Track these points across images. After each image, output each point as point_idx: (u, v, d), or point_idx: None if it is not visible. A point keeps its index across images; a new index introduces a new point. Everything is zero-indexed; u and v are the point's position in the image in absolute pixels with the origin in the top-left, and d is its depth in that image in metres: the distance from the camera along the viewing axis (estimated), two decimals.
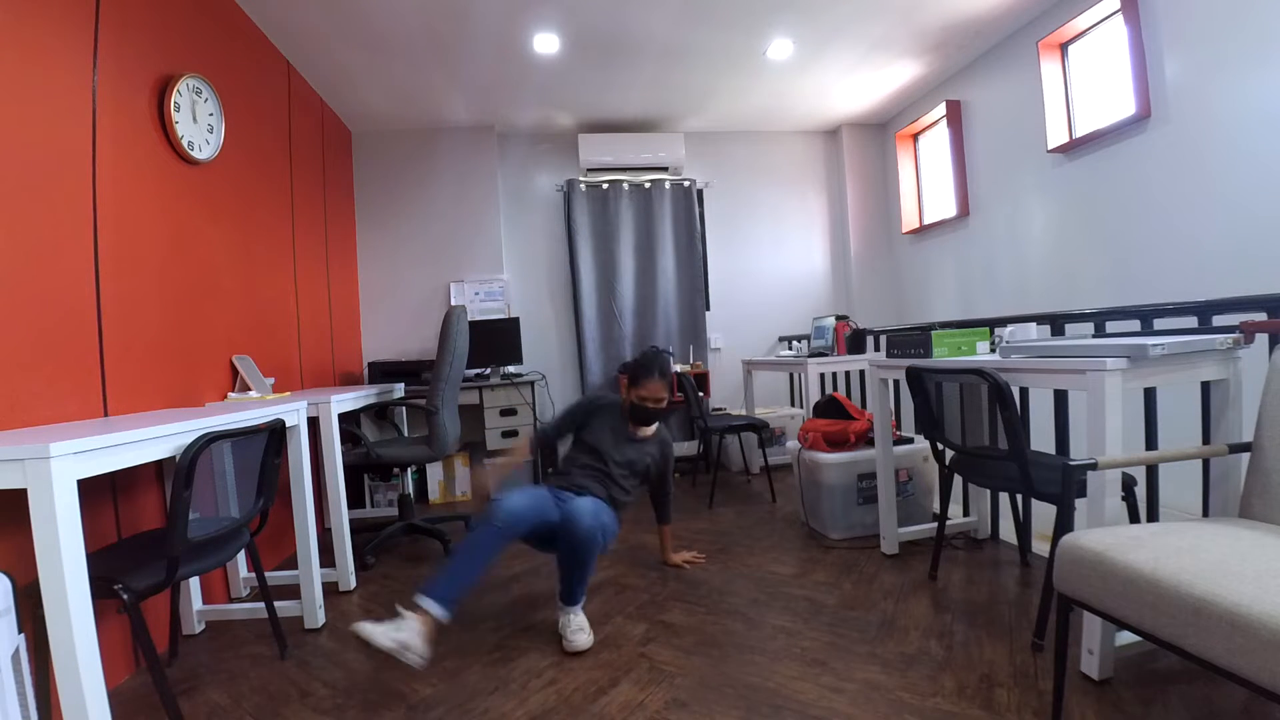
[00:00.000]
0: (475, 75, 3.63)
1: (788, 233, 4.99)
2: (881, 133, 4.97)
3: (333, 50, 3.22)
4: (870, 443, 2.60)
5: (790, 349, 4.28)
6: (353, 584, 2.44)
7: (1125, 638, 1.51)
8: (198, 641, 2.05)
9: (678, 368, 4.33)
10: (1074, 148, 3.23)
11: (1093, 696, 1.44)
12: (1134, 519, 1.73)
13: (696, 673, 1.66)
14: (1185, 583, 1.02)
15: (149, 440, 1.41)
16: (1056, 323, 2.35)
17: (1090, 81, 3.26)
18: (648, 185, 4.57)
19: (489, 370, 4.04)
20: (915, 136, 4.71)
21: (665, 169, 4.59)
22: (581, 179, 4.50)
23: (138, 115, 2.07)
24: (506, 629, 2.01)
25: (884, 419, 2.45)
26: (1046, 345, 1.79)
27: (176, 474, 1.41)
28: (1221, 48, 2.49)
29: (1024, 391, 2.38)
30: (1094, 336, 2.12)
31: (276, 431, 1.82)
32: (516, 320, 4.12)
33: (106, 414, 1.82)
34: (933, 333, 2.18)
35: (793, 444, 2.94)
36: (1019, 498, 2.32)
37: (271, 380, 2.69)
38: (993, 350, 2.17)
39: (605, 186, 4.53)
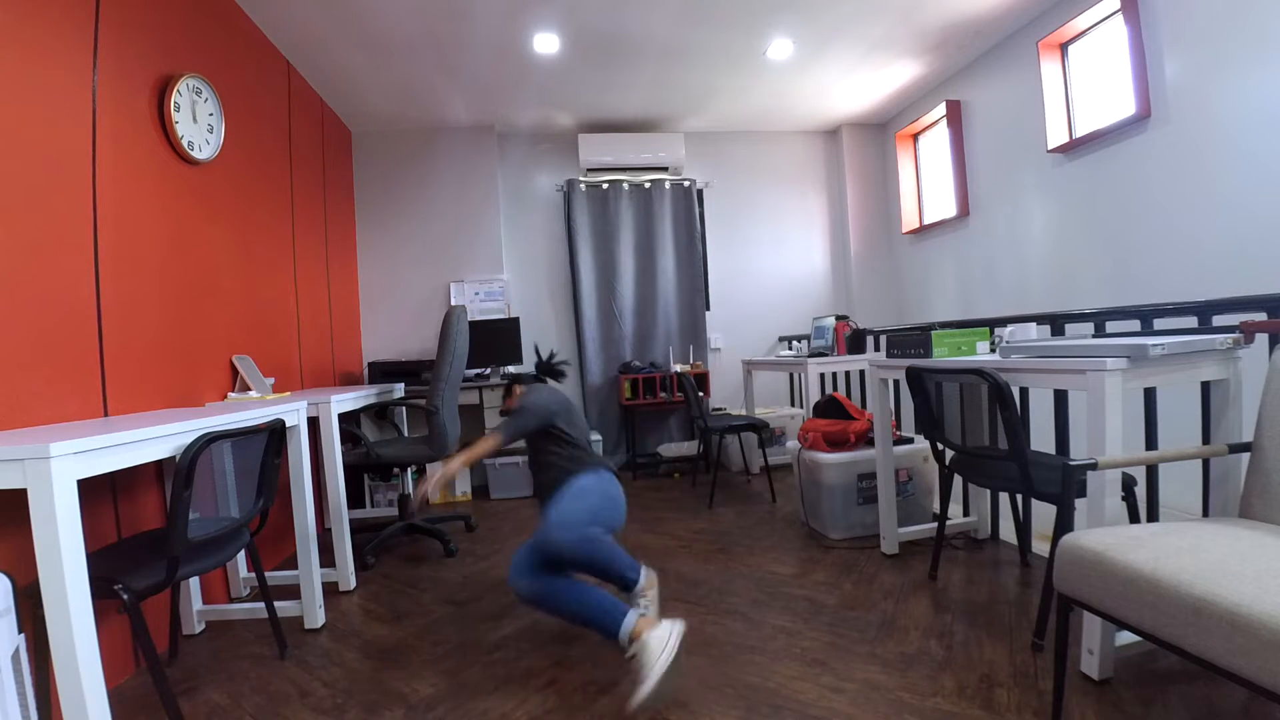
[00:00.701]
0: (475, 75, 3.63)
1: (788, 233, 4.99)
2: (881, 133, 4.97)
3: (333, 50, 3.22)
4: (870, 443, 2.60)
5: (790, 349, 4.28)
6: (353, 584, 2.44)
7: (1125, 638, 1.51)
8: (198, 641, 2.05)
9: (678, 368, 4.34)
10: (1074, 148, 3.23)
11: (1093, 696, 1.44)
12: (1134, 519, 1.73)
13: (696, 673, 1.66)
14: (1185, 583, 1.02)
15: (149, 440, 1.41)
16: (1056, 323, 2.35)
17: (1090, 81, 3.26)
18: (648, 185, 4.57)
19: (489, 370, 4.04)
20: (915, 136, 4.71)
21: (665, 169, 4.59)
22: (581, 179, 4.50)
23: (138, 115, 2.07)
24: (506, 629, 2.01)
25: (884, 419, 2.45)
26: (1046, 345, 1.79)
27: (176, 474, 1.41)
28: (1221, 48, 2.49)
29: (1024, 391, 2.37)
30: (1094, 336, 2.12)
31: (276, 431, 1.82)
32: (516, 320, 4.13)
33: (106, 414, 1.82)
34: (933, 333, 2.18)
35: (793, 444, 2.94)
36: (1019, 498, 2.32)
37: (271, 380, 2.69)
38: (993, 350, 2.17)
39: (605, 186, 4.53)
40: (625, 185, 4.54)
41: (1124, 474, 1.62)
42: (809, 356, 3.48)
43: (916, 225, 4.64)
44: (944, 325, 2.69)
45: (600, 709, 1.52)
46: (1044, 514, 1.91)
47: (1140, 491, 1.84)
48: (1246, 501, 1.39)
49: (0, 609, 1.12)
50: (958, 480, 2.17)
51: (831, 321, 3.48)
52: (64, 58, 1.76)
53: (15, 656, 1.14)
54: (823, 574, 2.30)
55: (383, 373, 3.78)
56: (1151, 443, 1.97)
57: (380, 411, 3.43)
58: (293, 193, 3.23)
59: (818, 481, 2.69)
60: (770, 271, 4.94)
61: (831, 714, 1.45)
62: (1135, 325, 2.08)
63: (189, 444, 1.44)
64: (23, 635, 1.16)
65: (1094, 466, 1.39)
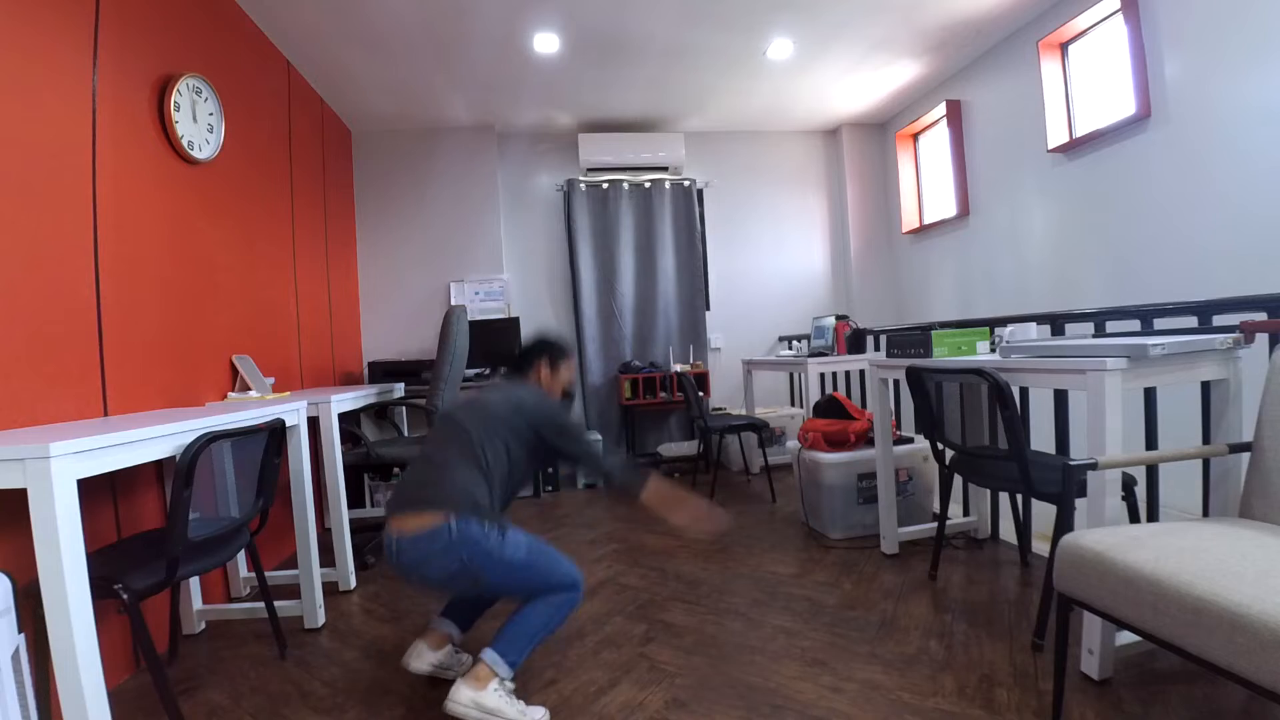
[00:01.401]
0: (475, 75, 3.63)
1: (788, 233, 4.99)
2: (881, 133, 4.97)
3: (333, 50, 3.22)
4: (870, 443, 2.60)
5: (790, 349, 4.28)
6: (353, 584, 2.44)
7: (1125, 638, 1.51)
8: (198, 641, 2.05)
9: (678, 367, 4.34)
10: (1074, 148, 3.23)
11: (1093, 696, 1.44)
12: (1134, 519, 1.73)
13: (696, 673, 1.66)
14: (1185, 583, 1.02)
15: (149, 440, 1.41)
16: (1056, 323, 2.34)
17: (1090, 81, 3.26)
18: (648, 185, 4.57)
19: (489, 370, 4.04)
20: (915, 136, 4.71)
21: (665, 169, 4.59)
22: (581, 179, 4.50)
23: (138, 115, 2.07)
24: None
25: (884, 419, 2.45)
26: (1046, 345, 1.78)
27: (176, 474, 1.41)
28: (1221, 48, 2.49)
29: (1024, 391, 2.38)
30: (1094, 336, 2.12)
31: (276, 431, 1.82)
32: (516, 320, 4.12)
33: (106, 414, 1.82)
34: (933, 333, 2.18)
35: (793, 444, 2.94)
36: (1019, 498, 2.32)
37: (271, 380, 2.69)
38: (993, 350, 2.17)
39: (605, 186, 4.53)
40: (625, 185, 4.54)
41: (1124, 474, 1.62)
42: (809, 356, 3.48)
43: (916, 225, 4.64)
44: (944, 325, 2.69)
45: (600, 709, 1.52)
46: (1044, 514, 1.91)
47: (1140, 491, 1.84)
48: (1246, 501, 1.39)
49: (0, 609, 1.12)
50: (958, 480, 2.17)
51: (831, 321, 3.48)
52: (64, 58, 1.76)
53: (15, 656, 1.14)
54: (823, 574, 2.30)
55: (383, 372, 3.78)
56: (1151, 443, 1.97)
57: (380, 411, 3.44)
58: (293, 192, 3.23)
59: (818, 481, 2.69)
60: (770, 271, 4.94)
61: (831, 714, 1.45)
62: (1135, 325, 2.08)
63: (189, 444, 1.44)
64: (23, 635, 1.16)
65: (1094, 466, 1.39)
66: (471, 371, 3.95)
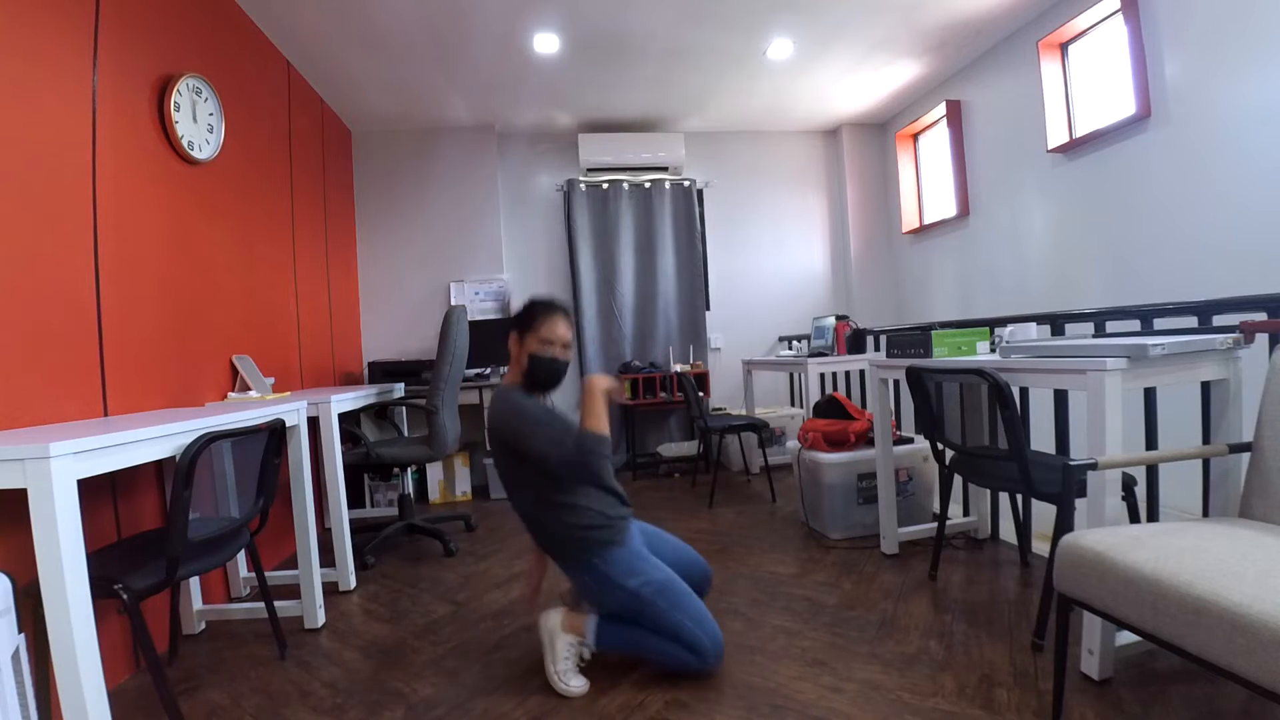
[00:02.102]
0: (475, 75, 3.63)
1: (788, 233, 4.99)
2: (881, 133, 4.97)
3: (333, 50, 3.22)
4: (870, 443, 2.60)
5: (790, 349, 4.28)
6: (353, 584, 2.44)
7: (1125, 638, 1.51)
8: (198, 641, 2.05)
9: (678, 367, 4.34)
10: (1074, 148, 3.23)
11: (1093, 696, 1.44)
12: (1134, 519, 1.73)
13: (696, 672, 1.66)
14: (1185, 583, 1.02)
15: (149, 440, 1.41)
16: (1056, 323, 2.34)
17: (1090, 81, 3.26)
18: (648, 185, 4.57)
19: (489, 370, 4.04)
20: (915, 136, 4.71)
21: (665, 169, 4.59)
22: (581, 179, 4.49)
23: (138, 115, 2.07)
24: (506, 629, 2.01)
25: (884, 419, 2.45)
26: (1046, 345, 1.78)
27: (176, 474, 1.41)
28: (1221, 48, 2.49)
29: (1024, 391, 2.37)
30: (1094, 336, 2.12)
31: (276, 431, 1.82)
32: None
33: (106, 414, 1.82)
34: (933, 333, 2.18)
35: (793, 444, 2.94)
36: (1019, 498, 2.32)
37: (271, 380, 2.69)
38: (993, 350, 2.17)
39: (605, 186, 4.53)
40: (625, 185, 4.54)
41: (1124, 474, 1.62)
42: (809, 356, 3.48)
43: (916, 225, 4.64)
44: (944, 325, 2.69)
45: (600, 709, 1.52)
46: (1044, 514, 1.91)
47: (1140, 491, 1.84)
48: (1246, 501, 1.39)
49: (0, 609, 1.12)
50: (958, 480, 2.17)
51: (831, 321, 3.48)
52: (64, 58, 1.76)
53: (15, 656, 1.14)
54: (823, 574, 2.30)
55: (383, 372, 3.78)
56: (1151, 443, 1.97)
57: (380, 411, 3.44)
58: (293, 193, 3.23)
59: (818, 481, 2.69)
60: (770, 271, 4.94)
61: (831, 714, 1.45)
62: (1135, 325, 2.08)
63: (189, 444, 1.44)
64: (23, 635, 1.16)
65: (1094, 466, 1.39)
66: (472, 371, 3.95)
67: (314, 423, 2.36)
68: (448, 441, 2.84)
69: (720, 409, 4.53)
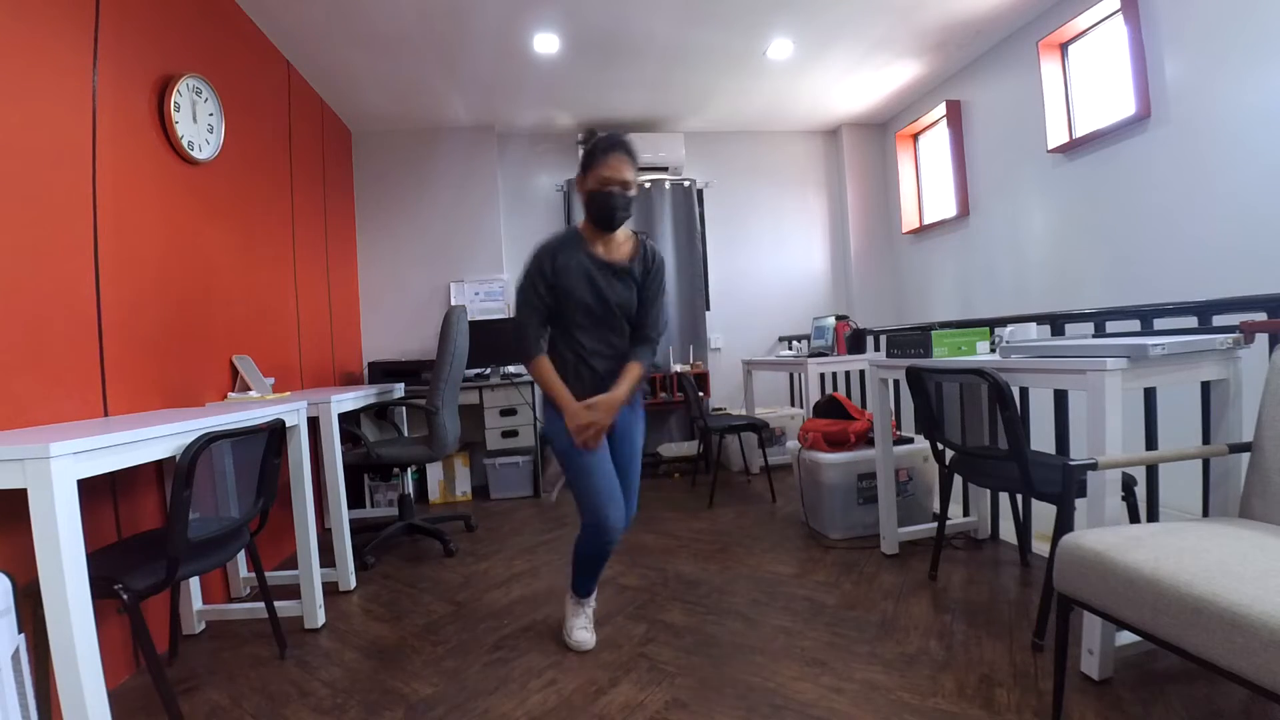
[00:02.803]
0: (475, 75, 3.63)
1: (788, 233, 4.99)
2: (881, 133, 4.97)
3: (333, 50, 3.22)
4: (870, 443, 2.60)
5: (790, 349, 4.28)
6: (353, 584, 2.44)
7: (1125, 638, 1.51)
8: (198, 641, 2.05)
9: (678, 367, 4.34)
10: (1074, 148, 3.23)
11: (1093, 696, 1.44)
12: (1134, 519, 1.73)
13: (696, 673, 1.66)
14: (1185, 583, 1.02)
15: (149, 440, 1.41)
16: (1056, 323, 2.35)
17: (1090, 81, 3.26)
18: (648, 185, 4.57)
19: (489, 370, 4.04)
20: (915, 136, 4.71)
21: (665, 169, 4.59)
22: None
23: (138, 115, 2.07)
24: (506, 629, 2.01)
25: (884, 419, 2.45)
26: (1046, 345, 1.78)
27: (176, 474, 1.41)
28: (1221, 48, 2.49)
29: (1024, 391, 2.38)
30: (1094, 336, 2.12)
31: (276, 431, 1.82)
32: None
33: (106, 414, 1.82)
34: (933, 333, 2.18)
35: (793, 444, 2.94)
36: (1019, 498, 2.32)
37: (271, 380, 2.69)
38: (993, 350, 2.17)
39: None
40: None
41: (1124, 474, 1.62)
42: (809, 356, 3.48)
43: (916, 225, 4.64)
44: (944, 325, 2.69)
45: (600, 709, 1.52)
46: (1044, 514, 1.91)
47: (1140, 491, 1.84)
48: (1246, 501, 1.39)
49: (0, 609, 1.12)
50: (958, 480, 2.17)
51: (831, 321, 3.48)
52: (64, 58, 1.76)
53: (15, 656, 1.14)
54: (823, 574, 2.30)
55: (383, 372, 3.78)
56: (1151, 443, 1.97)
57: (380, 411, 3.43)
58: (293, 193, 3.23)
59: (818, 481, 2.69)
60: (770, 271, 4.94)
61: (831, 714, 1.45)
62: (1135, 325, 2.08)
63: (189, 444, 1.44)
64: (23, 635, 1.16)
65: (1094, 466, 1.39)
66: (472, 372, 3.96)
67: (314, 423, 2.36)
68: (448, 441, 2.84)
69: (720, 409, 4.53)
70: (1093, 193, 3.15)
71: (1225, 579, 1.00)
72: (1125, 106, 2.91)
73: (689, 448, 4.32)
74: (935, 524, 2.29)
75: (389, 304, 4.28)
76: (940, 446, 2.12)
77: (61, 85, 1.75)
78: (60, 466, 1.15)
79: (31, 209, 1.62)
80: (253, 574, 2.06)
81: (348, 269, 4.08)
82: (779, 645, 1.79)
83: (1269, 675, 0.89)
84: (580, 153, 1.75)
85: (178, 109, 2.21)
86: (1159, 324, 2.03)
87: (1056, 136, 3.32)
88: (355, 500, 3.71)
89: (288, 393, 2.73)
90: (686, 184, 4.64)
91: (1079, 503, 1.55)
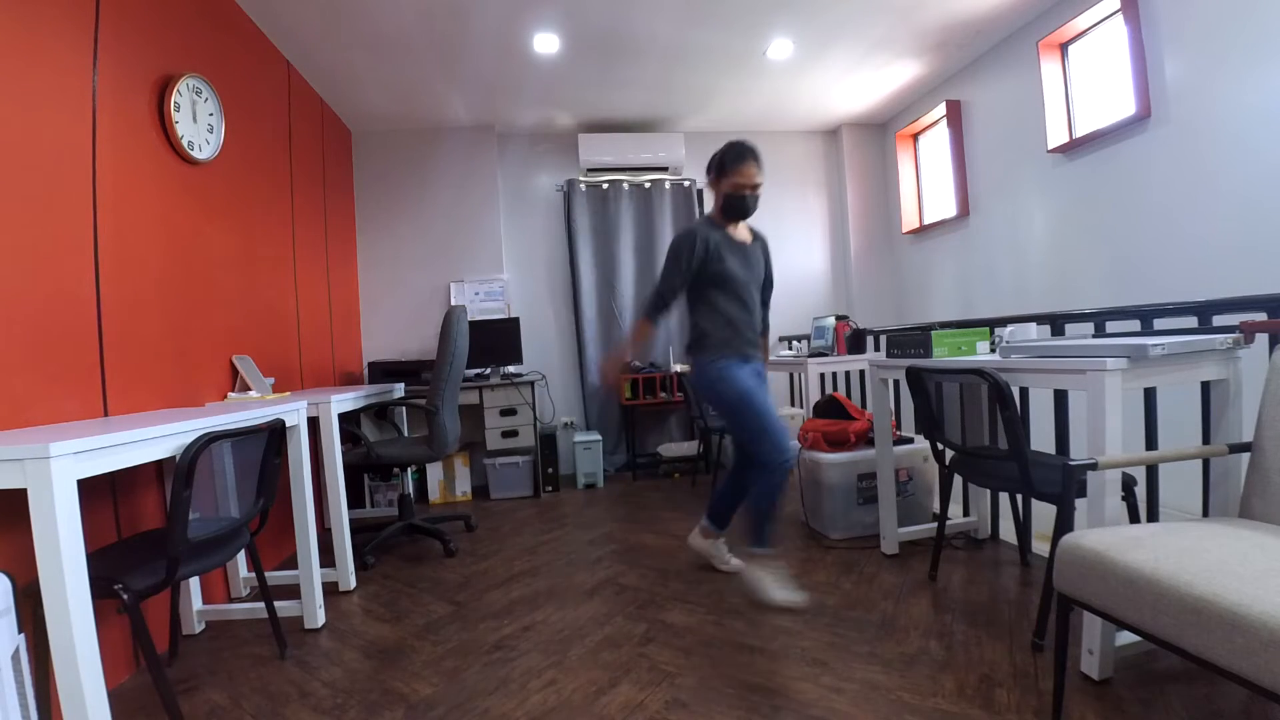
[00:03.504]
0: (475, 75, 3.63)
1: (788, 232, 4.98)
2: (881, 133, 4.97)
3: (333, 50, 3.22)
4: (870, 443, 2.60)
5: (790, 349, 4.28)
6: (353, 584, 2.44)
7: (1125, 638, 1.51)
8: (198, 641, 2.05)
9: (678, 367, 4.34)
10: (1074, 148, 3.23)
11: (1093, 696, 1.44)
12: (1134, 519, 1.73)
13: (696, 673, 1.66)
14: (1185, 583, 1.02)
15: (149, 440, 1.41)
16: (1056, 323, 2.34)
17: (1090, 81, 3.26)
18: (648, 185, 4.57)
19: (489, 370, 4.04)
20: (915, 136, 4.71)
21: (665, 169, 4.59)
22: (581, 179, 4.49)
23: (138, 115, 2.07)
24: (506, 629, 2.01)
25: (884, 419, 2.45)
26: (1046, 345, 1.78)
27: (176, 474, 1.41)
28: (1221, 48, 2.49)
29: (1024, 391, 2.38)
30: (1094, 336, 2.12)
31: (276, 431, 1.82)
32: (516, 320, 4.12)
33: (106, 414, 1.82)
34: (933, 333, 2.18)
35: (793, 444, 2.93)
36: (1019, 498, 2.32)
37: (271, 380, 2.69)
38: (993, 350, 2.17)
39: (605, 186, 4.53)
40: (625, 185, 4.54)
41: (1124, 474, 1.62)
42: (809, 356, 3.48)
43: (916, 225, 4.64)
44: (944, 325, 2.69)
45: (600, 709, 1.52)
46: (1044, 514, 1.91)
47: (1140, 491, 1.84)
48: (1246, 501, 1.39)
49: (0, 609, 1.12)
50: (958, 480, 2.17)
51: (831, 321, 3.48)
52: (64, 58, 1.76)
53: (15, 656, 1.14)
54: (823, 574, 2.30)
55: (383, 372, 3.78)
56: (1151, 443, 1.97)
57: (380, 411, 3.43)
58: (293, 193, 3.23)
59: (818, 481, 2.69)
60: None
61: (831, 714, 1.45)
62: (1135, 325, 2.08)
63: (189, 444, 1.44)
64: (23, 635, 1.16)
65: (1094, 466, 1.39)
66: (472, 372, 3.96)
67: (314, 423, 2.36)
68: (448, 441, 2.84)
69: None
70: (1093, 193, 3.15)
71: (1225, 579, 1.00)
72: (1125, 106, 2.91)
73: (689, 448, 4.32)
74: (935, 524, 2.29)
75: (389, 304, 4.28)
76: (940, 446, 2.12)
77: (61, 85, 1.75)
78: (60, 466, 1.15)
79: (31, 209, 1.62)
80: (253, 574, 2.06)
81: (348, 269, 4.08)
82: (779, 645, 1.79)
83: (1269, 675, 0.89)
84: (712, 157, 2.30)
85: (178, 109, 2.21)
86: (1159, 324, 2.03)
87: (1056, 136, 3.32)
88: (355, 500, 3.71)
89: (288, 393, 2.73)
90: (686, 184, 4.64)
91: (1079, 503, 1.55)
